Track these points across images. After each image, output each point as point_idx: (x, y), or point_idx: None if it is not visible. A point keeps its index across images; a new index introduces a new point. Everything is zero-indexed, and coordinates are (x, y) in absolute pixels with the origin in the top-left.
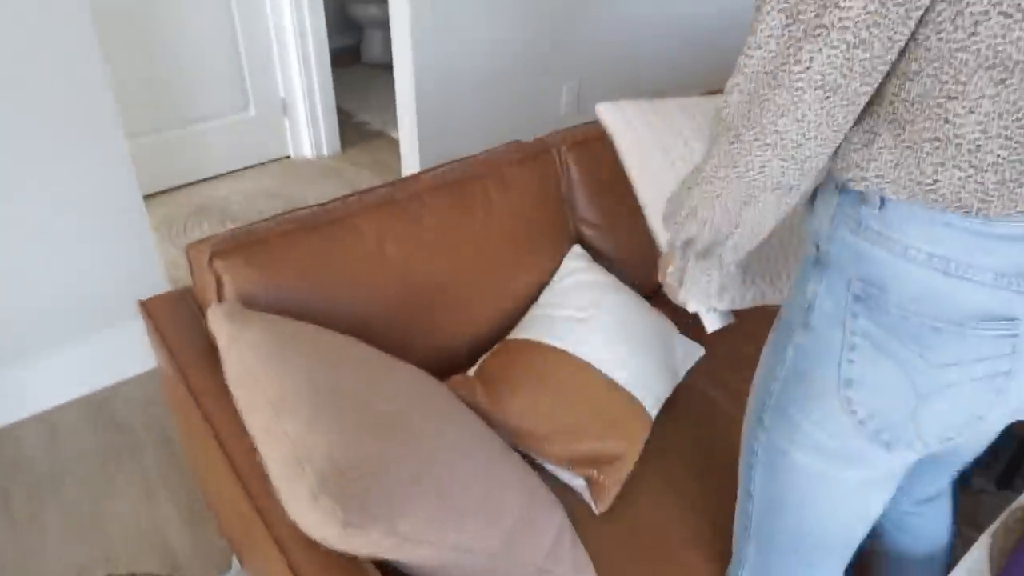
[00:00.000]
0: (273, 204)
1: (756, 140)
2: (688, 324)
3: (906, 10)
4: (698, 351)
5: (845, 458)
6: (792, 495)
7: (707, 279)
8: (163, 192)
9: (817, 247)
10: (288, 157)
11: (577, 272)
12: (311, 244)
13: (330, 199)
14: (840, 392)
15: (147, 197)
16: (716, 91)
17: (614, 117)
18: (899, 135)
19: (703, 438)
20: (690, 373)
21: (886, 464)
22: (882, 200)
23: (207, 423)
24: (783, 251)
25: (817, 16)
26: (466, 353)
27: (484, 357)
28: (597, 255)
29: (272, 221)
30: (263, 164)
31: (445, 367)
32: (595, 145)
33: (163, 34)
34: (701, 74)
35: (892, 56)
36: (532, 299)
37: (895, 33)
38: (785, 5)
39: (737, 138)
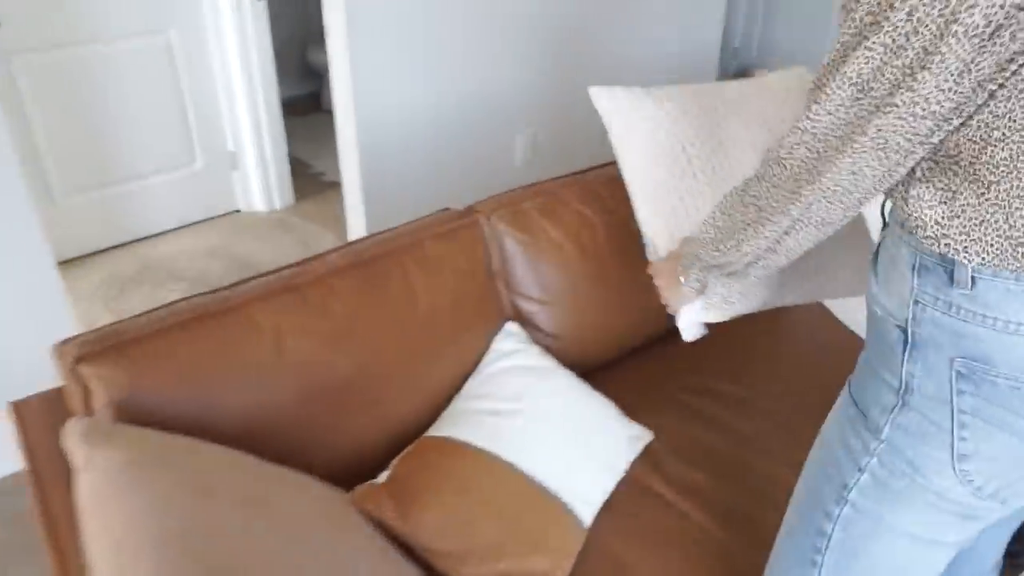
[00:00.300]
0: (219, 263)
1: (813, 192)
2: (636, 403)
3: (979, 84)
4: (645, 436)
5: (960, 518)
6: (887, 566)
7: (726, 291)
8: (104, 251)
9: (903, 330)
10: (238, 211)
11: (508, 355)
12: (197, 341)
13: (242, 279)
14: (955, 466)
15: (87, 257)
16: None
17: (607, 104)
18: (983, 194)
19: (647, 545)
20: (635, 463)
21: (997, 515)
22: (973, 280)
23: (58, 558)
24: None
25: (890, 95)
26: (384, 452)
27: (396, 460)
28: (536, 331)
29: (153, 315)
30: (211, 219)
31: (359, 469)
32: (531, 212)
33: (102, 87)
34: None
35: (958, 121)
36: (459, 386)
37: (966, 104)
38: (857, 80)
39: (797, 189)
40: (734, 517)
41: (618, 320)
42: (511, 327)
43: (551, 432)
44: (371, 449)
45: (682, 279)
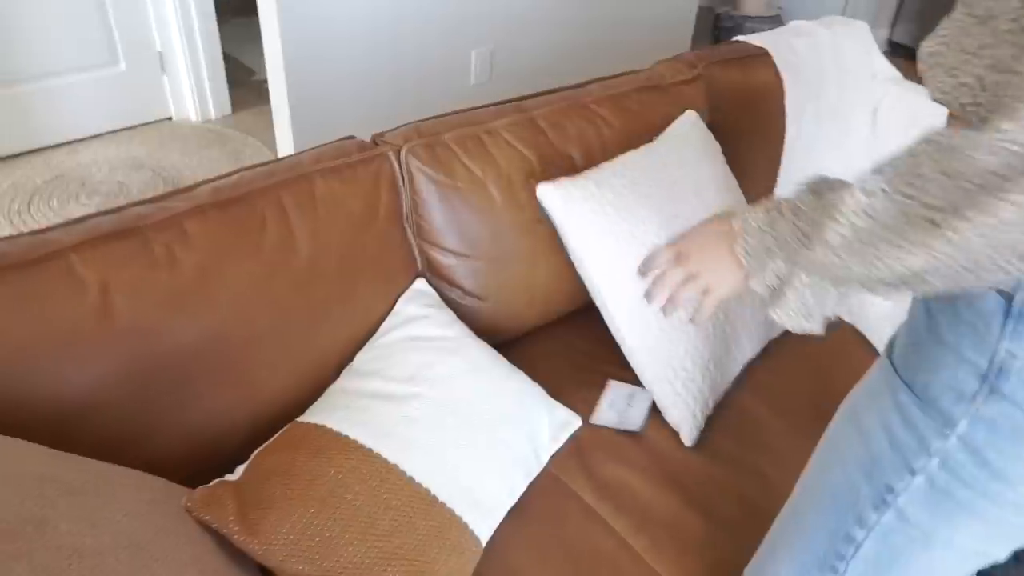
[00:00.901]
0: (140, 176)
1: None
2: (567, 380)
3: None
4: (573, 422)
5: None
6: None
7: (816, 301)
8: (11, 157)
9: (1004, 294)
10: (170, 119)
11: (412, 321)
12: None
13: (209, 177)
14: None
15: None
16: (624, 73)
17: (553, 199)
18: None
19: (554, 558)
20: (558, 456)
21: None
22: None
23: None
24: None
25: None
26: (252, 437)
27: (258, 451)
28: (454, 289)
29: None
30: (139, 127)
31: (218, 459)
32: (452, 145)
33: None
34: (621, 30)
35: None
36: (352, 356)
37: None
38: None
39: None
40: (662, 531)
41: (552, 279)
42: (420, 285)
43: (450, 423)
44: (234, 434)
45: (748, 272)
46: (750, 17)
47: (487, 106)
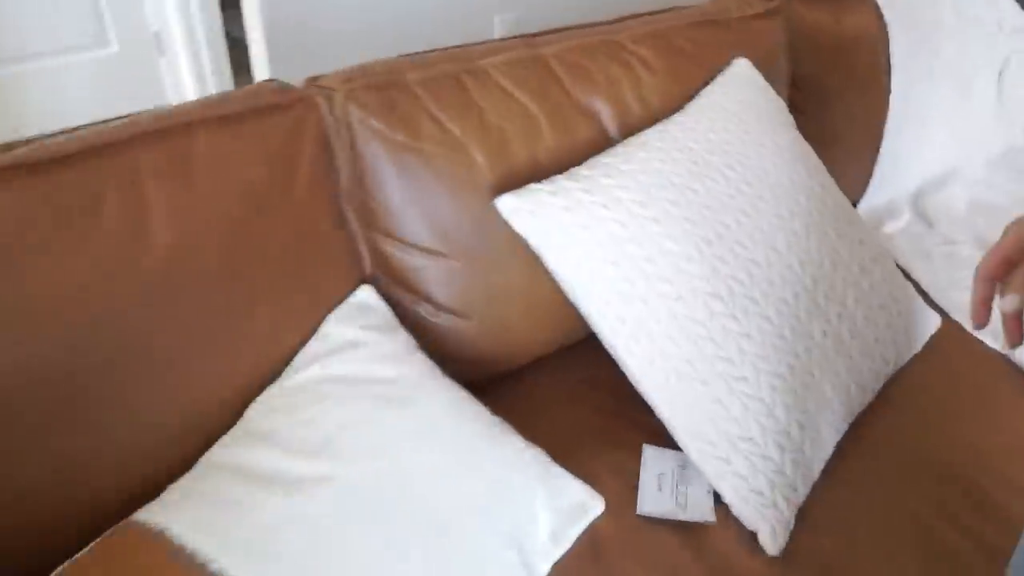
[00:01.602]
0: None
1: None
2: (585, 438)
3: None
4: (591, 506)
5: None
6: None
7: None
8: None
9: None
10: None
11: (342, 352)
12: None
13: None
14: None
15: None
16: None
17: (525, 220)
18: None
19: None
20: (564, 562)
21: None
22: None
23: None
24: None
25: None
26: (74, 531)
27: (63, 568)
28: (421, 302)
29: None
30: (135, 114)
31: (14, 565)
32: (420, 91)
33: None
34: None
35: None
36: (252, 400)
37: None
38: None
39: None
40: None
41: None
42: (365, 295)
43: (374, 528)
44: (40, 525)
45: None
46: None
47: (484, 43)
